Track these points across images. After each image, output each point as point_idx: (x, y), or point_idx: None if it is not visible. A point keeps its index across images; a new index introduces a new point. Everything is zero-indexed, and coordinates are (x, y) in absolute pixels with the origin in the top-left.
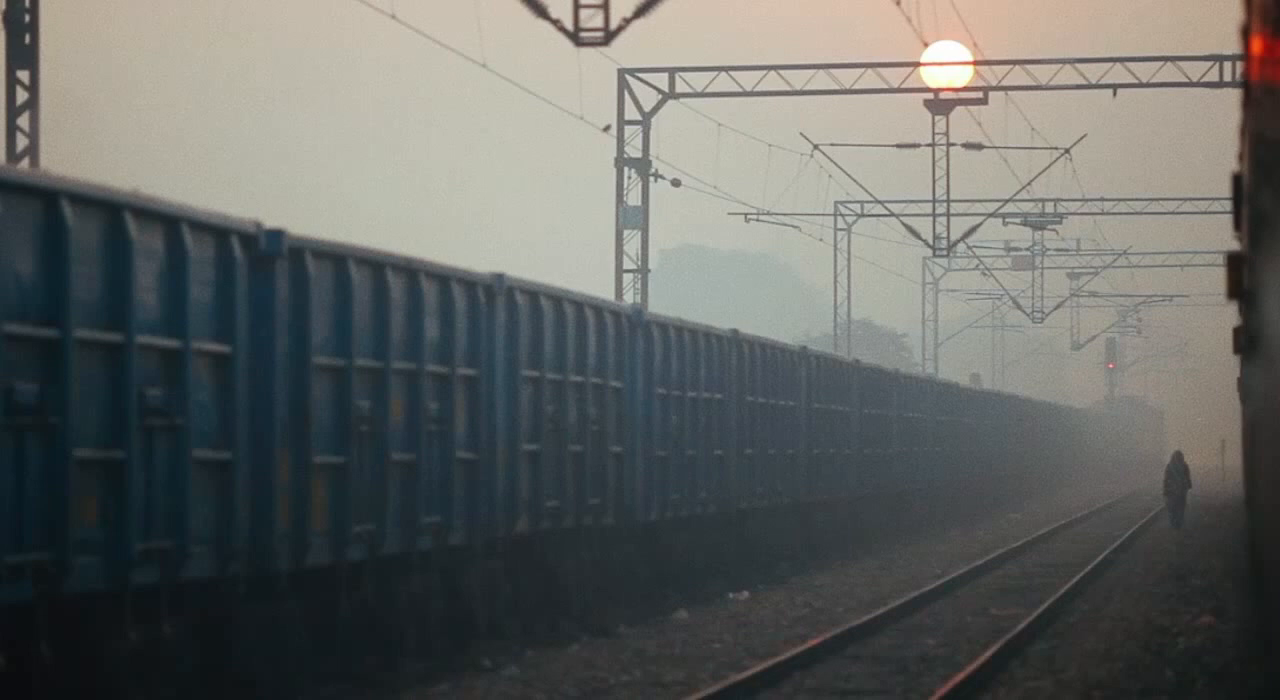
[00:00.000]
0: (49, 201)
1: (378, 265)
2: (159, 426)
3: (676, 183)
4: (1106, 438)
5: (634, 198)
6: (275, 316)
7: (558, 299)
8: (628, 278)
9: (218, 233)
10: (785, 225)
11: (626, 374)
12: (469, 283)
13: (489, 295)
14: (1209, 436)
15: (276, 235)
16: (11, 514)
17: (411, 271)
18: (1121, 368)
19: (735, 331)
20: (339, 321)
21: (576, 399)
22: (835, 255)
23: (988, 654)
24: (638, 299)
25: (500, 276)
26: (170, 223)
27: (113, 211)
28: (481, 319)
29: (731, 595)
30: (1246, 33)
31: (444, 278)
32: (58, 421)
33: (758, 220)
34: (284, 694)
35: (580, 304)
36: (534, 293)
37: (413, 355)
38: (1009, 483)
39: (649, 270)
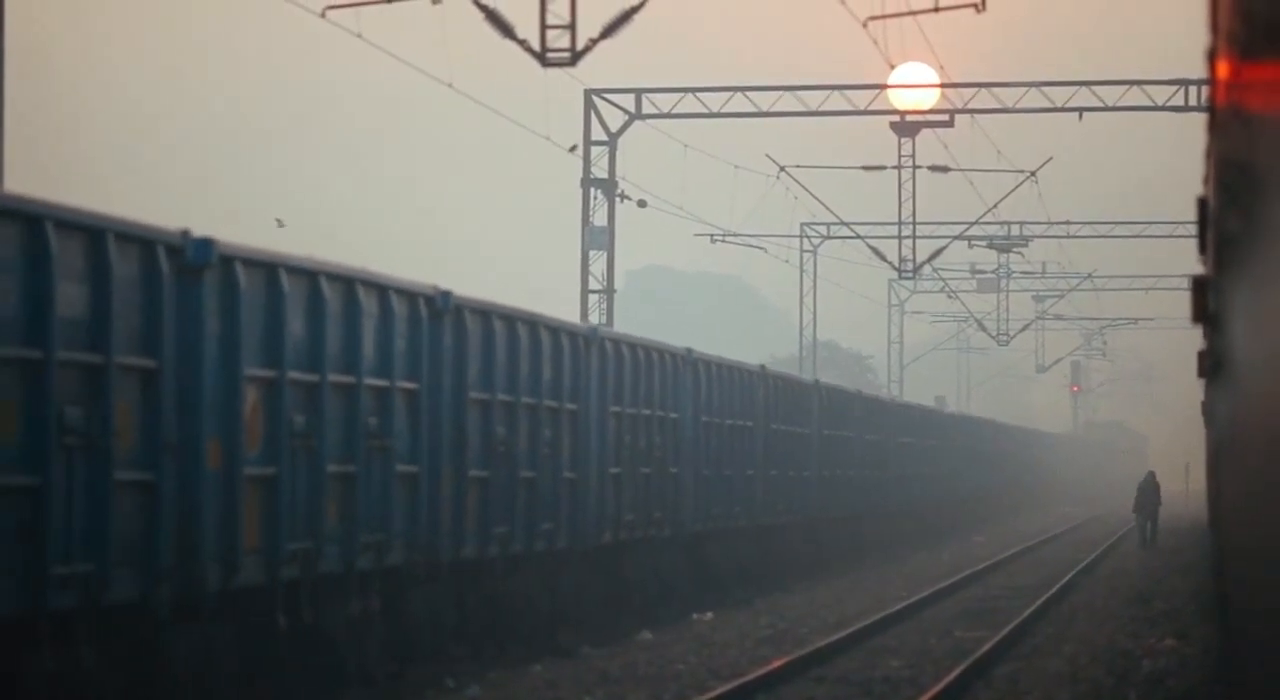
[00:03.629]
0: (312, 281)
1: (511, 319)
2: (375, 447)
3: (643, 203)
4: (1089, 463)
5: (600, 218)
6: (444, 360)
7: (633, 345)
8: (593, 298)
9: (410, 296)
10: (751, 246)
11: (680, 405)
12: (573, 333)
13: (587, 343)
14: (1174, 459)
15: (447, 296)
16: (290, 513)
17: (533, 323)
18: (1087, 391)
19: (763, 367)
20: (485, 363)
21: (646, 429)
22: (801, 277)
23: (951, 676)
24: (603, 320)
25: (594, 328)
26: (382, 290)
27: (348, 284)
28: (581, 363)
29: (695, 615)
30: (1212, 57)
31: (555, 329)
32: (316, 443)
33: (724, 241)
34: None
35: (648, 349)
36: (617, 341)
37: (534, 391)
38: (991, 504)
39: (614, 291)
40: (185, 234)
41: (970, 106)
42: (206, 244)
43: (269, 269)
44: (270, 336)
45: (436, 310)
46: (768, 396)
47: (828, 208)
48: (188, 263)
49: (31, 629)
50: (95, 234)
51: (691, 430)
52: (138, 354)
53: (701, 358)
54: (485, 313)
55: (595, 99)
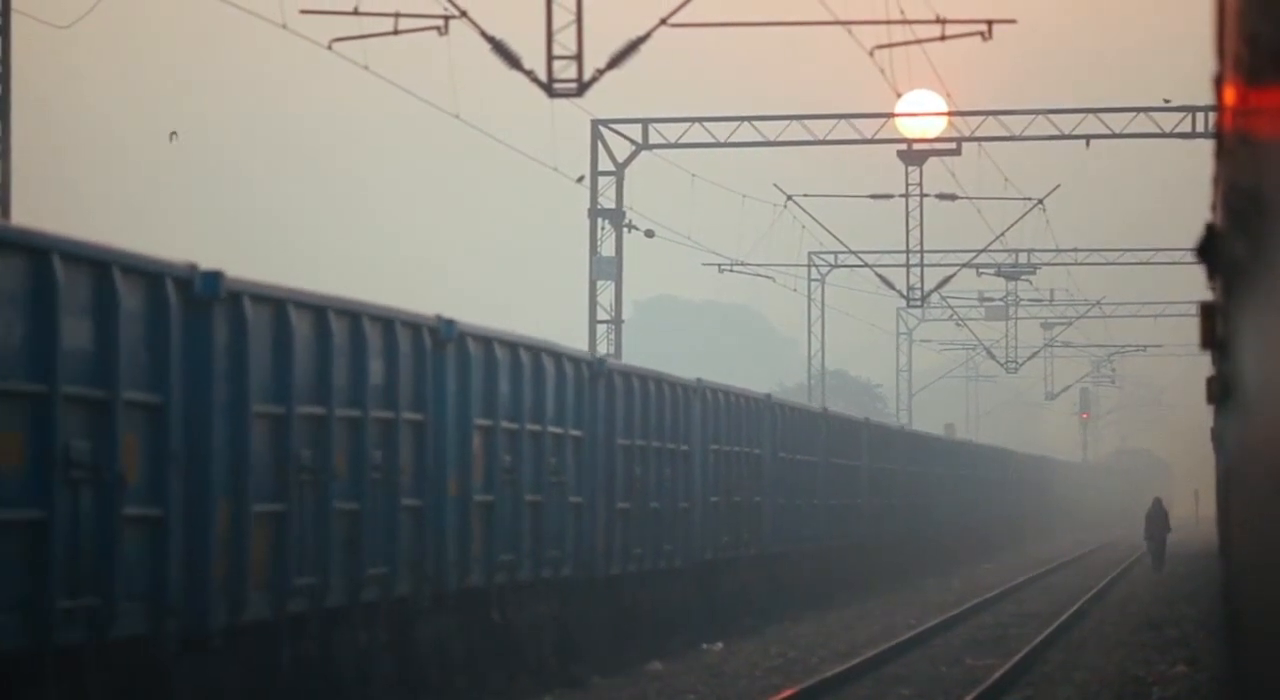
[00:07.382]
0: (513, 350)
1: (645, 378)
2: (555, 481)
3: (650, 233)
4: (1122, 488)
5: (607, 248)
6: (599, 412)
7: (726, 392)
8: (601, 329)
9: (577, 361)
10: (759, 276)
11: (761, 442)
12: (685, 386)
13: (693, 393)
14: (1183, 486)
15: (602, 361)
16: (500, 532)
17: (659, 381)
18: (1096, 418)
19: (825, 408)
20: (627, 415)
21: (736, 463)
22: (809, 305)
23: None
24: (611, 350)
25: (700, 380)
26: (558, 357)
27: (536, 353)
28: (691, 410)
29: (705, 645)
30: (1219, 83)
31: (674, 384)
32: (518, 476)
33: (731, 271)
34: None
35: (736, 394)
36: (715, 390)
37: (660, 435)
38: (1020, 530)
39: (623, 321)
40: (439, 317)
41: (977, 134)
42: (451, 323)
43: (487, 341)
44: (488, 394)
45: (596, 372)
46: (828, 434)
47: (835, 236)
48: (439, 339)
49: (350, 618)
50: (387, 323)
51: (771, 465)
52: (414, 410)
53: (778, 402)
54: (627, 374)
55: (602, 129)
